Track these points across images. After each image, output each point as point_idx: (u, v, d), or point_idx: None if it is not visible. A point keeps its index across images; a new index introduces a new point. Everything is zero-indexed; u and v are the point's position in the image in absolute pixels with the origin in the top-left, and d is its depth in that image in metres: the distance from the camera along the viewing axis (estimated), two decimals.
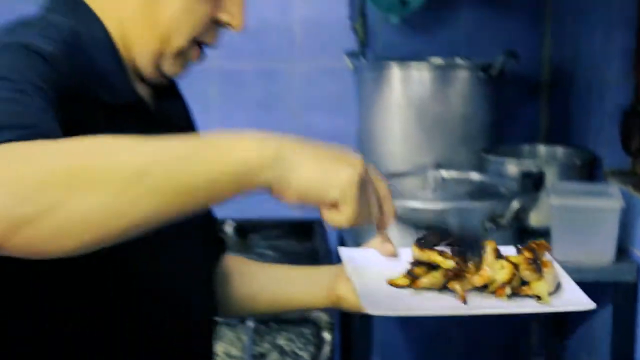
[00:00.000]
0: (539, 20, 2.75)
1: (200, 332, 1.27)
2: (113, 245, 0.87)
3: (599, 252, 1.97)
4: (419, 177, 2.24)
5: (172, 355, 1.18)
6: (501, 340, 2.93)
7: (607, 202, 1.94)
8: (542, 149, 2.52)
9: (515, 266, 1.13)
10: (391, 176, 2.25)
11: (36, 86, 0.90)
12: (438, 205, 2.05)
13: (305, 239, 2.60)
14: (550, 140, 2.67)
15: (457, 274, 1.13)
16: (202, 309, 1.26)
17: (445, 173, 2.22)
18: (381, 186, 0.96)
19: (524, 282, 1.13)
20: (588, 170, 2.26)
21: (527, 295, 1.13)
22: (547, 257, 1.17)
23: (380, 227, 1.02)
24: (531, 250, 1.17)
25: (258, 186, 0.85)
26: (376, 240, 1.26)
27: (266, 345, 2.16)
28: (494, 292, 1.13)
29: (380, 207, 0.97)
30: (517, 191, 2.08)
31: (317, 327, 2.16)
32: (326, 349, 2.17)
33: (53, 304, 1.05)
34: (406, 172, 2.31)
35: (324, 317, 2.15)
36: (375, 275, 1.18)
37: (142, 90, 1.17)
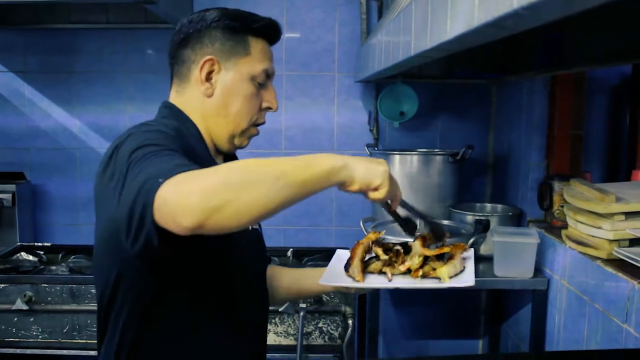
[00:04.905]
0: (486, 126, 3.04)
1: (265, 312, 1.39)
2: (224, 245, 1.04)
3: (524, 270, 2.18)
4: None
5: (251, 320, 1.32)
6: (461, 326, 3.16)
7: (529, 239, 2.13)
8: (488, 206, 2.74)
9: (425, 258, 1.25)
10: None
11: (176, 149, 1.01)
12: None
13: None
14: (493, 200, 2.93)
15: (388, 264, 1.30)
16: (265, 294, 1.41)
17: None
18: (395, 181, 1.10)
19: (434, 270, 1.25)
20: (517, 219, 2.49)
21: (434, 277, 1.24)
22: (467, 253, 1.32)
23: (395, 206, 1.15)
24: (443, 248, 1.30)
25: (337, 182, 1.01)
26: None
27: (311, 327, 2.37)
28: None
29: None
30: (472, 232, 2.26)
31: (344, 316, 2.37)
32: (349, 330, 2.34)
33: (190, 281, 1.18)
34: None
35: (348, 310, 2.35)
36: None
37: (219, 160, 1.30)
